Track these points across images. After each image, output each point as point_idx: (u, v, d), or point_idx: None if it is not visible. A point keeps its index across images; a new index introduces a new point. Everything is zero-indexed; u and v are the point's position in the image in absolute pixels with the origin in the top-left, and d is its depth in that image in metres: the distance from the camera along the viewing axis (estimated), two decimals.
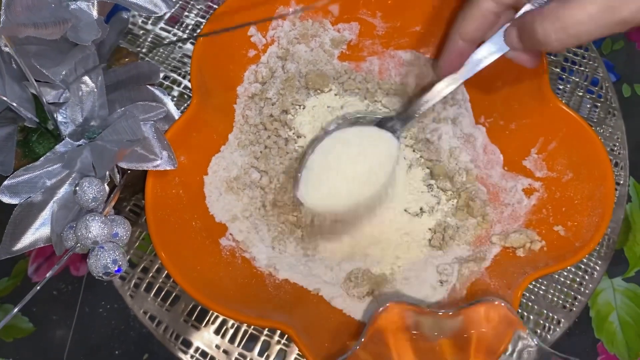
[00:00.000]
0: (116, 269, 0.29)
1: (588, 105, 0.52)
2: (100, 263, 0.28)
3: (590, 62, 0.54)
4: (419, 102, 0.42)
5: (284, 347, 0.44)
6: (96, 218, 0.30)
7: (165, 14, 0.55)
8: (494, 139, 0.45)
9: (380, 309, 0.36)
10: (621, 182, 0.50)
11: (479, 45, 0.39)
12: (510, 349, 0.35)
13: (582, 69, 0.54)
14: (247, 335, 0.44)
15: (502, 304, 0.35)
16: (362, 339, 0.35)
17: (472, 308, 0.36)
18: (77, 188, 0.32)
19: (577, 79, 0.53)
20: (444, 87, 0.41)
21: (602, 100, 0.53)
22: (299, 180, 0.41)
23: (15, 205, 0.35)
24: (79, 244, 0.30)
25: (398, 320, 0.36)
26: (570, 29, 0.31)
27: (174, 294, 0.45)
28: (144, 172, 0.38)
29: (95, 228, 0.29)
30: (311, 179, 0.41)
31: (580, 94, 0.53)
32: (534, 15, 0.33)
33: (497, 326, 0.35)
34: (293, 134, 0.46)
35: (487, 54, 0.39)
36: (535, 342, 0.35)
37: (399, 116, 0.43)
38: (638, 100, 0.54)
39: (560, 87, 0.53)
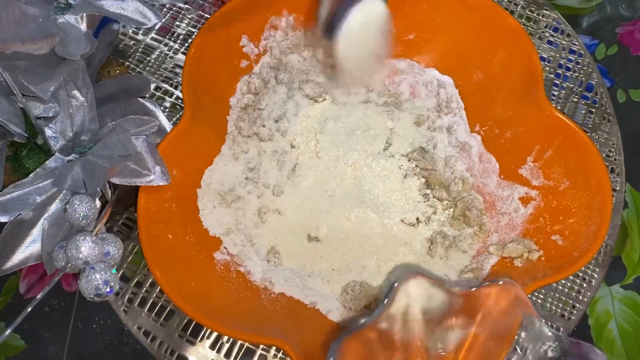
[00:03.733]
0: (108, 290, 0.28)
1: (583, 111, 0.52)
2: (92, 284, 0.28)
3: (585, 68, 0.54)
4: None
5: None
6: (87, 238, 0.29)
7: (155, 24, 0.55)
8: (489, 147, 0.45)
9: (407, 278, 0.36)
10: (617, 188, 0.49)
11: None
12: (523, 336, 0.35)
13: (577, 74, 0.54)
14: (243, 350, 0.44)
15: (515, 285, 0.35)
16: (382, 310, 0.35)
17: (484, 288, 0.36)
18: (68, 206, 0.31)
19: (572, 85, 0.53)
20: None
21: (597, 106, 0.52)
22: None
23: (4, 223, 0.34)
24: (69, 264, 0.29)
25: (415, 292, 0.36)
26: None
27: (168, 309, 0.45)
28: (137, 186, 0.37)
29: (85, 248, 0.29)
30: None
31: (575, 99, 0.53)
32: None
33: (506, 307, 0.35)
34: (287, 144, 0.45)
35: None
36: (550, 332, 0.35)
37: None
38: (633, 105, 0.54)
39: (555, 93, 0.53)
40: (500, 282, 0.35)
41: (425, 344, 0.35)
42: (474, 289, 0.36)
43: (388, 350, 0.35)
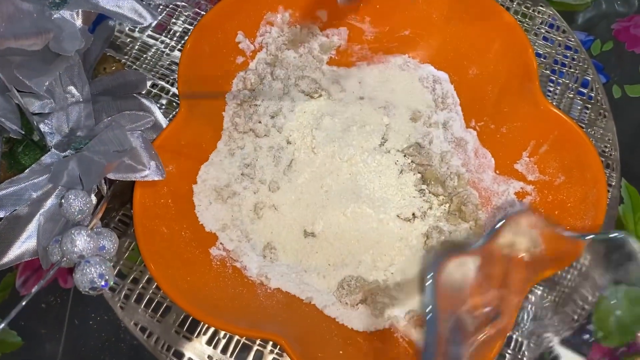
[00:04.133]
0: (103, 283, 0.28)
1: (579, 107, 0.52)
2: (87, 278, 0.28)
3: (580, 64, 0.54)
4: None
5: (277, 357, 0.43)
6: (82, 232, 0.29)
7: None
8: (485, 142, 0.45)
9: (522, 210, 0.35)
10: (613, 183, 0.49)
11: None
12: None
13: (572, 70, 0.54)
14: (239, 346, 0.44)
15: (630, 239, 0.34)
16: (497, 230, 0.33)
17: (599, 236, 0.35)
18: (63, 200, 0.31)
19: (567, 81, 0.53)
20: None
21: (592, 101, 0.52)
22: None
23: (0, 218, 0.34)
24: (64, 258, 0.29)
25: (524, 229, 0.34)
26: None
27: (164, 305, 0.45)
28: (133, 182, 0.37)
29: (81, 242, 0.29)
30: None
31: (571, 95, 0.53)
32: None
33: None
34: (283, 140, 0.45)
35: None
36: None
37: None
38: (628, 101, 0.54)
39: (551, 89, 0.53)
40: (616, 235, 0.34)
41: (522, 286, 0.33)
42: (588, 237, 0.34)
43: (483, 285, 0.33)
